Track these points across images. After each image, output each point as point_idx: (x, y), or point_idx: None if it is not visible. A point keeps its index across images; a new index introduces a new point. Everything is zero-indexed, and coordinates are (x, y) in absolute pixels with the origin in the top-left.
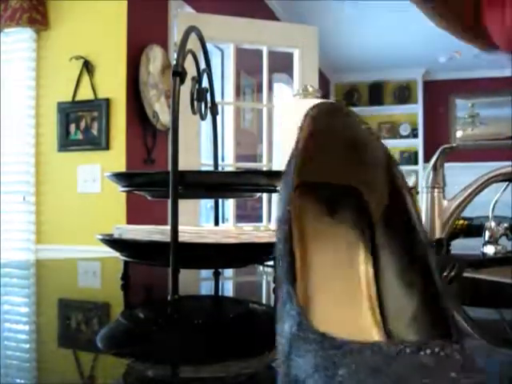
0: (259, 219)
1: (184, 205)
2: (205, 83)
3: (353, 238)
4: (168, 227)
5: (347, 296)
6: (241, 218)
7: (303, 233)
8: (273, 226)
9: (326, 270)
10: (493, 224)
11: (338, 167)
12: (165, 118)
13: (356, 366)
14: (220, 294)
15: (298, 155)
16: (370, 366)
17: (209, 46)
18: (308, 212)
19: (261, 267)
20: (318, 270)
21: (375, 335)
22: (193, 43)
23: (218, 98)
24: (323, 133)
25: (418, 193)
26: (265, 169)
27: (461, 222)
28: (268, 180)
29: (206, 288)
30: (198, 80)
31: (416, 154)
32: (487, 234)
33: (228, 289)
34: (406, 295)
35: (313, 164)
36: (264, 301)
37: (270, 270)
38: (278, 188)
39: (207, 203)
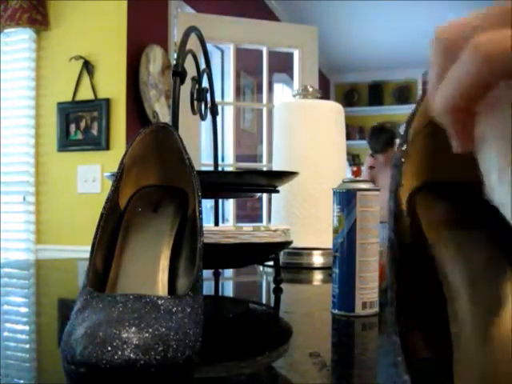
0: (259, 219)
1: None
2: (205, 83)
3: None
4: None
5: (146, 276)
6: (241, 218)
7: (129, 224)
8: (273, 225)
9: (135, 253)
10: None
11: None
12: (165, 118)
13: None
14: (220, 293)
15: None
16: None
17: (209, 46)
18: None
19: (261, 267)
20: (130, 255)
21: None
22: (193, 43)
23: (217, 98)
24: None
25: None
26: (265, 169)
27: None
28: (269, 180)
29: (206, 288)
30: (197, 80)
31: None
32: None
33: (228, 289)
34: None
35: None
36: (264, 301)
37: (270, 270)
38: (278, 188)
39: (207, 203)
